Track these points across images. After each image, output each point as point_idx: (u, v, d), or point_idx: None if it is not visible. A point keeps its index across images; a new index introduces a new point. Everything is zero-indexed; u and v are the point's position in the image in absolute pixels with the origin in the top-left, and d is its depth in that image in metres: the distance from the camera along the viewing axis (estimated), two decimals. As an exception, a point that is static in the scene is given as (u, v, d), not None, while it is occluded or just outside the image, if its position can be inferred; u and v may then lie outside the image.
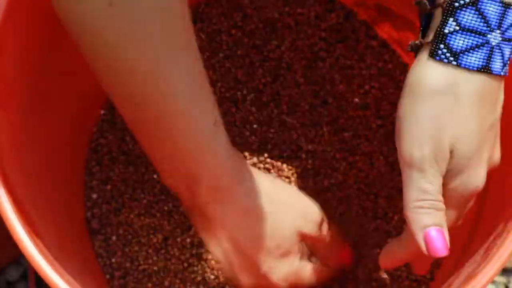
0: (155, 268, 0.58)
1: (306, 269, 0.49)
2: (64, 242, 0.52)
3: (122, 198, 0.60)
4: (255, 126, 0.60)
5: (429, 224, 0.40)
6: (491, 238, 0.46)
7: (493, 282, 0.68)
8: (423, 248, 0.40)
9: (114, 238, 0.59)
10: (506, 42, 0.39)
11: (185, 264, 0.58)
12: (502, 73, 0.39)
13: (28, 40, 0.48)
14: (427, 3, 0.40)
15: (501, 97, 0.41)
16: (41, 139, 0.53)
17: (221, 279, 0.57)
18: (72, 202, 0.58)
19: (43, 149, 0.53)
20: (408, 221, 0.41)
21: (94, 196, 0.60)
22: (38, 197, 0.50)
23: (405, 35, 0.61)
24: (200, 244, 0.58)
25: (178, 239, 0.58)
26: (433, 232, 0.40)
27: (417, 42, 0.40)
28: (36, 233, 0.43)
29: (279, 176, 0.59)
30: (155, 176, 0.60)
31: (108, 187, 0.60)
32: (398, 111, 0.40)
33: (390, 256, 0.46)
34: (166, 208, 0.59)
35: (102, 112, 0.61)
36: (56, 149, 0.56)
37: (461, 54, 0.38)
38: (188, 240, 0.58)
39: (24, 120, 0.49)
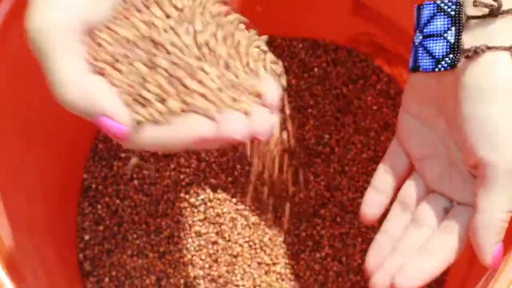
0: (149, 310, 0.58)
1: None
2: (56, 285, 0.51)
3: (115, 239, 0.59)
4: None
5: (501, 238, 0.38)
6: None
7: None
8: (488, 262, 0.38)
9: (106, 280, 0.59)
10: None
11: (179, 306, 0.58)
12: None
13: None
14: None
15: None
16: (35, 183, 0.52)
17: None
18: (64, 245, 0.58)
19: (35, 191, 0.53)
20: (482, 234, 0.38)
21: (87, 237, 0.60)
22: (28, 241, 0.49)
23: (398, 70, 0.61)
24: (193, 284, 0.57)
25: (171, 280, 0.58)
26: (500, 249, 0.38)
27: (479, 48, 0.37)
28: (24, 278, 0.43)
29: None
30: (149, 219, 0.60)
31: (101, 227, 0.60)
32: (467, 113, 0.37)
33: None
34: (159, 248, 0.59)
35: (90, 154, 0.61)
36: (47, 192, 0.55)
37: None
38: (182, 280, 0.58)
39: (17, 161, 0.48)
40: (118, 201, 0.60)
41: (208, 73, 0.35)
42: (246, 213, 0.59)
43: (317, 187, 0.60)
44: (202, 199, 0.60)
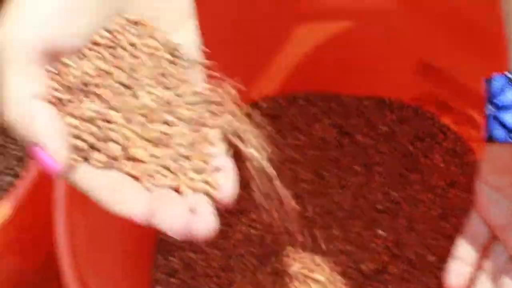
0: None
1: None
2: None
3: (187, 291, 0.61)
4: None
5: None
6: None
7: None
8: None
9: (179, 331, 0.60)
10: None
11: None
12: None
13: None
14: None
15: None
16: (113, 237, 0.55)
17: None
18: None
19: (112, 246, 0.55)
20: None
21: (160, 289, 0.61)
22: (109, 285, 0.51)
23: (466, 129, 0.62)
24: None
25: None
26: None
27: None
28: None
29: None
30: (221, 273, 0.61)
31: (174, 280, 0.61)
32: None
33: None
34: (231, 301, 0.60)
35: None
36: (123, 245, 0.57)
37: None
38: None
39: (98, 221, 0.51)
40: (191, 254, 0.62)
41: (168, 135, 0.33)
42: (313, 267, 0.60)
43: (385, 243, 0.61)
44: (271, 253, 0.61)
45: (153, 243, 0.63)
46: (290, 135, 0.64)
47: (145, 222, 0.32)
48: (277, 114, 0.66)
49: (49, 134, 0.31)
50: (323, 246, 0.61)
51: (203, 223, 0.32)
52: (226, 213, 0.62)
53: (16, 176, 0.51)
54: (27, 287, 0.52)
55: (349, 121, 0.65)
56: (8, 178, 0.51)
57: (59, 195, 0.44)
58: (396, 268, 0.60)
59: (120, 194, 0.32)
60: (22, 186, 0.45)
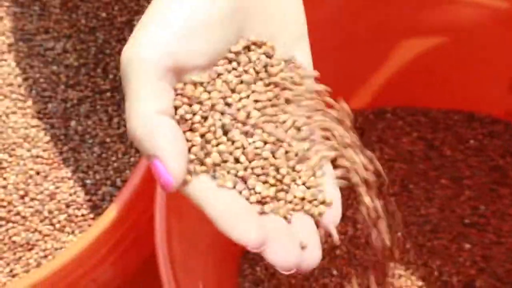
0: None
1: None
2: None
3: (273, 301, 0.62)
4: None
5: None
6: None
7: None
8: None
9: None
10: None
11: None
12: None
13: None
14: None
15: None
16: (204, 245, 0.56)
17: None
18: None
19: (204, 253, 0.57)
20: None
21: (246, 297, 0.63)
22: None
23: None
24: None
25: None
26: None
27: None
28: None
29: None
30: (304, 283, 0.62)
31: (259, 289, 0.63)
32: None
33: None
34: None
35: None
36: (213, 253, 0.59)
37: None
38: None
39: (191, 229, 0.53)
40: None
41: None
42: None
43: (473, 258, 0.60)
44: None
45: (240, 252, 0.64)
46: (377, 148, 0.65)
47: (255, 250, 0.32)
48: (365, 128, 0.66)
49: (170, 151, 0.32)
50: (410, 258, 0.61)
51: (311, 259, 0.33)
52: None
53: (115, 186, 0.53)
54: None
55: (437, 135, 0.65)
56: (107, 189, 0.53)
57: (160, 204, 0.46)
58: (484, 282, 0.60)
59: (235, 217, 0.32)
60: (123, 197, 0.47)
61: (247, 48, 0.35)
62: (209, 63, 0.34)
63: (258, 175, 0.34)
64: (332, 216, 0.35)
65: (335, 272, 0.62)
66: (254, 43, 0.35)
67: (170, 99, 0.33)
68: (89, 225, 0.52)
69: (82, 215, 0.52)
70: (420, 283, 0.60)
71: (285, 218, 0.34)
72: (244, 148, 0.34)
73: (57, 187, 0.52)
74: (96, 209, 0.52)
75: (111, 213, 0.46)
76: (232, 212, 0.33)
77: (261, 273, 0.62)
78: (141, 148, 0.32)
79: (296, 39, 0.36)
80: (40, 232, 0.51)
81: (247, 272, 0.63)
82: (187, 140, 0.33)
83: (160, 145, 0.32)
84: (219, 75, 0.34)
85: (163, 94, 0.32)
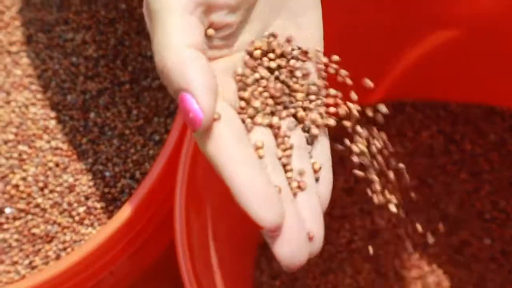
0: None
1: None
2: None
3: (290, 294, 0.62)
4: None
5: None
6: None
7: None
8: None
9: (282, 332, 0.61)
10: None
11: None
12: None
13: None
14: None
15: None
16: (221, 238, 0.56)
17: None
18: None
19: (221, 248, 0.57)
20: None
21: (264, 291, 0.63)
22: (214, 284, 0.53)
23: None
24: None
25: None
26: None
27: None
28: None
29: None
30: (321, 278, 0.62)
31: (277, 282, 0.63)
32: None
33: None
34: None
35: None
36: (231, 246, 0.59)
37: None
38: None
39: (209, 222, 0.52)
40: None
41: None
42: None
43: (492, 252, 0.60)
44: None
45: (257, 246, 0.64)
46: (397, 141, 0.64)
47: (270, 233, 0.32)
48: (385, 121, 0.66)
49: (201, 84, 0.31)
50: (429, 252, 0.61)
51: (315, 250, 0.33)
52: (330, 218, 0.63)
53: (134, 179, 0.53)
54: (143, 285, 0.54)
55: (457, 129, 0.64)
56: (126, 181, 0.53)
57: (179, 197, 0.46)
58: (504, 278, 0.59)
59: (259, 193, 0.32)
60: (142, 190, 0.47)
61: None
62: (239, 3, 0.34)
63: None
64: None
65: (348, 269, 0.62)
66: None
67: (201, 34, 0.33)
68: (108, 218, 0.52)
69: (101, 208, 0.52)
70: (441, 276, 0.60)
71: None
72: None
73: (76, 179, 0.52)
74: (115, 202, 0.52)
75: (130, 206, 0.46)
76: (256, 186, 0.32)
77: (278, 266, 0.62)
78: (170, 81, 0.32)
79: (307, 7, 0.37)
80: (59, 224, 0.51)
81: (264, 266, 0.63)
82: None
83: (192, 78, 0.31)
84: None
85: (194, 28, 0.32)
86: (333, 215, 0.63)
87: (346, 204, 0.63)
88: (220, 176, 0.32)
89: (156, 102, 0.55)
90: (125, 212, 0.46)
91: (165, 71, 0.32)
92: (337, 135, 0.37)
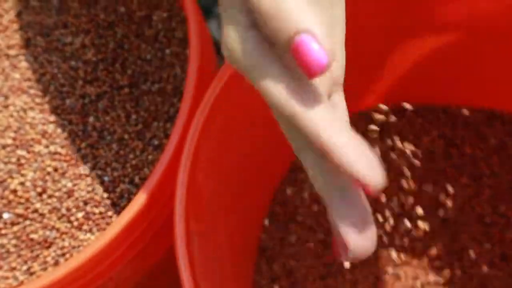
0: None
1: None
2: None
3: (289, 298, 0.62)
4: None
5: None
6: None
7: None
8: None
9: (281, 337, 0.61)
10: None
11: None
12: None
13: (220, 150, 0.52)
14: None
15: None
16: (221, 243, 0.56)
17: None
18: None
19: (220, 252, 0.56)
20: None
21: (263, 294, 0.63)
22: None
23: None
24: None
25: None
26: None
27: None
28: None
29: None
30: (320, 282, 0.61)
31: (276, 286, 0.62)
32: None
33: None
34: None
35: (266, 222, 0.65)
36: (230, 251, 0.59)
37: None
38: None
39: (209, 228, 0.52)
40: (292, 262, 0.63)
41: None
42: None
43: (492, 257, 0.60)
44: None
45: (257, 250, 0.64)
46: (397, 145, 0.64)
47: (373, 192, 0.31)
48: (385, 125, 0.65)
49: (318, 21, 0.29)
50: (430, 256, 0.61)
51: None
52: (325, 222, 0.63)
53: (133, 184, 0.53)
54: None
55: (458, 133, 0.64)
56: (125, 186, 0.52)
57: (179, 203, 0.45)
58: (501, 282, 0.59)
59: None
60: (141, 195, 0.46)
61: None
62: None
63: None
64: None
65: (348, 275, 0.61)
66: None
67: None
68: (107, 223, 0.51)
69: (100, 213, 0.51)
70: (440, 280, 0.60)
71: None
72: None
73: (75, 184, 0.52)
74: (114, 207, 0.52)
75: (129, 211, 0.46)
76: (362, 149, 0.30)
77: (278, 270, 0.62)
78: (285, 24, 0.29)
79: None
80: (57, 229, 0.51)
81: (264, 269, 0.63)
82: None
83: (306, 19, 0.28)
84: None
85: None
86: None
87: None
88: (317, 139, 0.30)
89: (156, 106, 0.55)
90: (124, 218, 0.46)
91: (268, 17, 0.29)
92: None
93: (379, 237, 0.62)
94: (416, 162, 0.64)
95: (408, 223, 0.62)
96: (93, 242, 0.45)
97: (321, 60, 0.28)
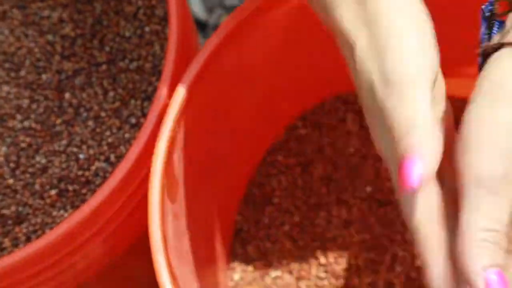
0: None
1: None
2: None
3: (263, 280, 0.62)
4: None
5: (490, 264, 0.31)
6: None
7: None
8: None
9: (255, 320, 0.61)
10: None
11: None
12: None
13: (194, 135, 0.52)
14: None
15: None
16: (195, 226, 0.56)
17: None
18: (212, 284, 0.61)
19: (195, 233, 0.56)
20: (463, 258, 0.32)
21: (236, 277, 0.62)
22: (189, 273, 0.53)
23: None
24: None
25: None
26: (493, 276, 0.31)
27: (493, 44, 0.35)
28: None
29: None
30: (294, 265, 0.62)
31: (250, 268, 0.62)
32: (466, 117, 0.34)
33: None
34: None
35: (242, 204, 0.65)
36: (204, 233, 0.59)
37: None
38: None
39: (184, 210, 0.52)
40: (268, 244, 0.63)
41: None
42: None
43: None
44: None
45: (232, 233, 0.64)
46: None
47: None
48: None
49: (434, 153, 0.32)
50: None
51: None
52: (304, 205, 0.63)
53: (109, 162, 0.52)
54: (116, 270, 0.54)
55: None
56: (100, 164, 0.52)
57: (154, 183, 0.45)
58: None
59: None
60: (117, 174, 0.46)
61: None
62: None
63: None
64: None
65: (321, 259, 0.61)
66: None
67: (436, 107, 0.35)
68: (81, 201, 0.51)
69: (74, 191, 0.51)
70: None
71: None
72: None
73: (49, 161, 0.51)
74: (89, 185, 0.51)
75: (104, 190, 0.46)
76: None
77: (253, 252, 0.62)
78: (402, 144, 0.32)
79: None
80: (30, 206, 0.50)
81: (239, 252, 0.63)
82: None
83: (427, 147, 0.32)
84: None
85: (433, 103, 0.33)
86: (309, 204, 0.63)
87: (323, 194, 0.63)
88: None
89: (133, 84, 0.55)
90: (98, 196, 0.45)
91: (406, 141, 0.32)
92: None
93: (354, 220, 0.62)
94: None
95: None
96: (66, 220, 0.45)
97: (412, 181, 0.31)
